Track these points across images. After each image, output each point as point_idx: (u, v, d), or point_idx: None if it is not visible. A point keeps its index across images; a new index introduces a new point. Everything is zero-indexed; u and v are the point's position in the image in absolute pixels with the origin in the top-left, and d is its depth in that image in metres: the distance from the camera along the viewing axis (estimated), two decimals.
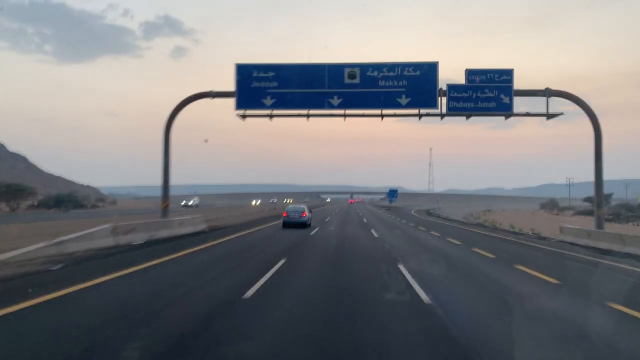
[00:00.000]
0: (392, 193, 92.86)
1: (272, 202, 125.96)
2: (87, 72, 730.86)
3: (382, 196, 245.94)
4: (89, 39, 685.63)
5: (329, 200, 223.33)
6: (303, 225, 28.95)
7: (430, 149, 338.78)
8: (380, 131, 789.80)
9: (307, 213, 30.17)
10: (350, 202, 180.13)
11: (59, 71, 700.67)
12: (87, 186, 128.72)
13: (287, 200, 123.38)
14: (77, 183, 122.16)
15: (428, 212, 72.31)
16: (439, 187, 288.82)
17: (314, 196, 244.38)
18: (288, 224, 28.89)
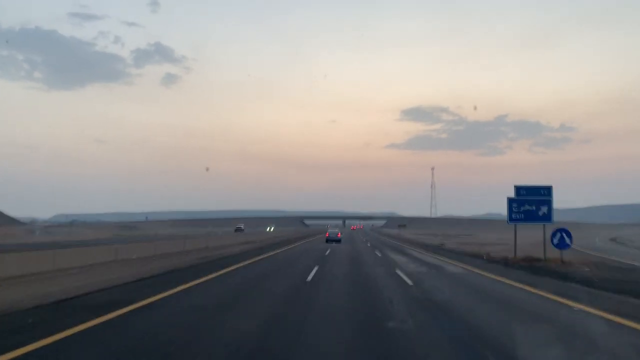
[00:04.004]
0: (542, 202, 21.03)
1: None
2: (77, 99, 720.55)
3: (383, 222, 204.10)
4: (79, 66, 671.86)
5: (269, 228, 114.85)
6: (339, 241, 43.00)
7: (432, 169, 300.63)
8: (372, 157, 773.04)
9: (340, 234, 47.99)
10: (353, 229, 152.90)
11: (49, 98, 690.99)
12: None
13: None
14: None
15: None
16: (437, 213, 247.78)
17: (295, 221, 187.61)
18: (329, 240, 43.15)
